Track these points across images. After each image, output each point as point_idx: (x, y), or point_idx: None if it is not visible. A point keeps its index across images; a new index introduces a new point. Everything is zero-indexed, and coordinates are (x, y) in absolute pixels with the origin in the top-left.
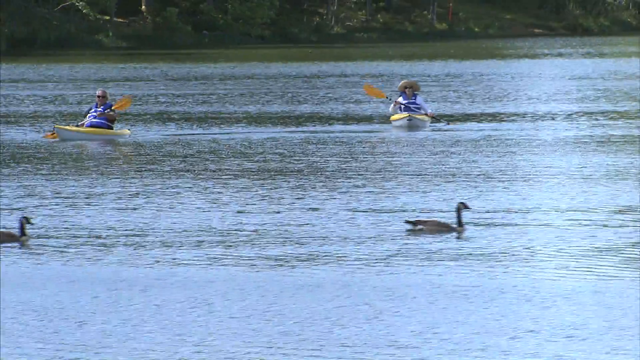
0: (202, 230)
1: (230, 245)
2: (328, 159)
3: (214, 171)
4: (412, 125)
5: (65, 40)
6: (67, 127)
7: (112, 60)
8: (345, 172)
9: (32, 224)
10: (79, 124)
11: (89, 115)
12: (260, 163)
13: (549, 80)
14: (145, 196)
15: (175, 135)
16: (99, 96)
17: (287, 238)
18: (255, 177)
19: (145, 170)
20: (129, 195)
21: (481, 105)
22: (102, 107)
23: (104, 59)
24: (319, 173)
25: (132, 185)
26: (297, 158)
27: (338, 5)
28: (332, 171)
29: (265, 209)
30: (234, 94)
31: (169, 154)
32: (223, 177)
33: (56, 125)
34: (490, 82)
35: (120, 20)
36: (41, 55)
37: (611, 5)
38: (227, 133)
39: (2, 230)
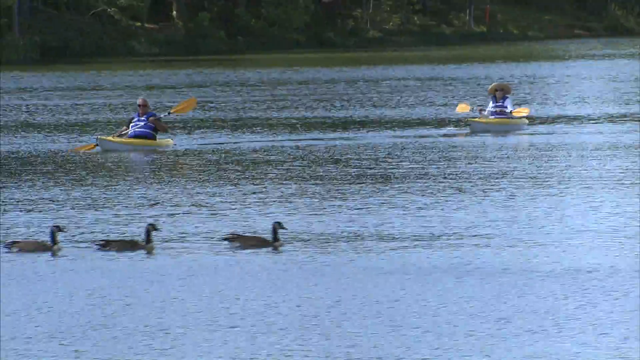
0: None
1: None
2: (402, 164)
3: (292, 178)
4: (473, 130)
5: (98, 47)
6: (109, 138)
7: (146, 67)
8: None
9: (64, 231)
10: (122, 133)
11: (131, 124)
12: (351, 168)
13: (595, 82)
14: (261, 202)
15: (237, 142)
16: (140, 105)
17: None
18: (337, 182)
19: (228, 177)
20: (220, 201)
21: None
22: (144, 115)
23: (138, 66)
24: (404, 178)
25: (216, 192)
26: (388, 163)
27: (373, 8)
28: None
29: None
30: (292, 98)
31: (233, 162)
32: (305, 183)
33: (99, 137)
34: (537, 84)
35: (151, 26)
36: (74, 63)
37: None
38: (286, 140)
39: (34, 240)
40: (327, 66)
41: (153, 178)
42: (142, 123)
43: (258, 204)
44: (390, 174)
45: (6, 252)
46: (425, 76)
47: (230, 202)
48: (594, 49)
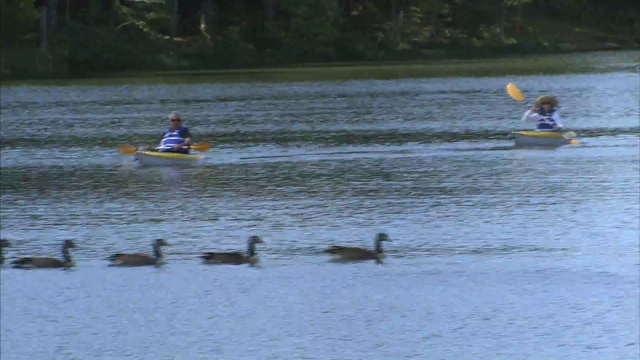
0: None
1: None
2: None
3: (351, 190)
4: (519, 144)
5: (126, 60)
6: (148, 153)
7: (176, 80)
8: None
9: (167, 245)
10: (155, 148)
11: (163, 140)
12: (403, 181)
13: (626, 95)
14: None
15: (275, 156)
16: (172, 120)
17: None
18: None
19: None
20: (305, 214)
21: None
22: (177, 130)
23: (169, 80)
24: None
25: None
26: (443, 176)
27: (403, 21)
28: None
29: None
30: (331, 111)
31: (285, 175)
32: (364, 196)
33: (138, 151)
34: (573, 97)
35: (179, 39)
36: (103, 77)
37: None
38: (332, 152)
39: (139, 253)
40: (357, 79)
41: (225, 192)
42: (175, 138)
43: (343, 216)
44: (444, 186)
45: (110, 265)
46: (461, 89)
47: (314, 214)
48: (625, 61)
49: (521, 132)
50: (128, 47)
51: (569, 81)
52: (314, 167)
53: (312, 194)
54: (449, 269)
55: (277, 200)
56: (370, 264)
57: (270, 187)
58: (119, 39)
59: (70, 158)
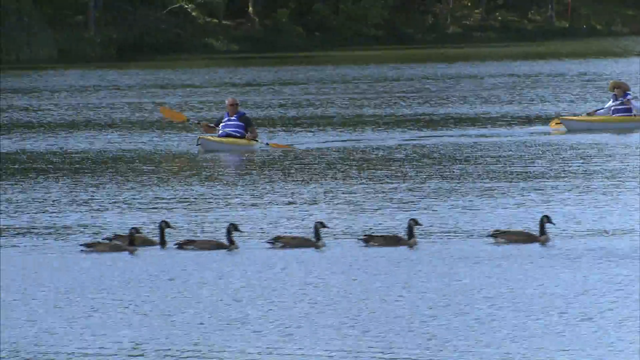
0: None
1: None
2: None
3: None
4: (569, 129)
5: (175, 44)
6: (211, 138)
7: (228, 64)
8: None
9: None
10: (209, 129)
11: (221, 124)
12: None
13: None
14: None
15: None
16: (229, 104)
17: None
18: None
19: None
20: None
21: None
22: (235, 115)
23: (219, 63)
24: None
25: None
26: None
27: (454, 3)
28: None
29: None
30: (396, 95)
31: (338, 161)
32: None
33: (200, 136)
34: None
35: (227, 22)
36: (152, 60)
37: None
38: (411, 137)
39: (298, 235)
40: (411, 62)
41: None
42: (234, 122)
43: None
44: (534, 171)
45: (270, 248)
46: (521, 72)
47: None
48: None
49: (568, 118)
50: (176, 31)
51: (623, 65)
52: (394, 151)
53: (409, 179)
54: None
55: (404, 183)
56: (535, 246)
57: (373, 171)
58: (166, 22)
59: (149, 142)
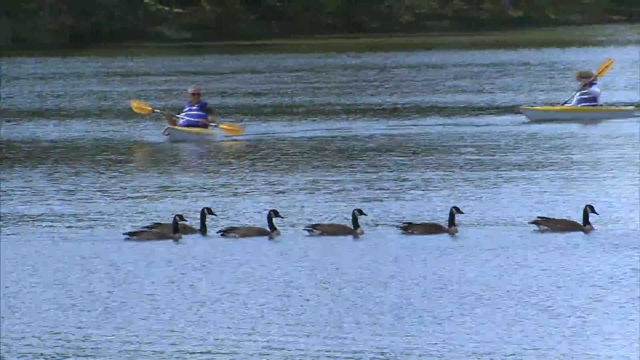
0: None
1: None
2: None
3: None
4: (530, 118)
5: (128, 31)
6: (179, 128)
7: (181, 52)
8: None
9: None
10: (172, 119)
11: (182, 113)
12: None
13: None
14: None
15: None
16: (192, 94)
17: None
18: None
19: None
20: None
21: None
22: (196, 105)
23: (172, 51)
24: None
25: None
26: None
27: None
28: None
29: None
30: (331, 85)
31: (316, 150)
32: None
33: (167, 127)
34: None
35: (179, 10)
36: (106, 47)
37: None
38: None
39: (336, 223)
40: (361, 51)
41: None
42: (195, 112)
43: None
44: (513, 160)
45: (307, 236)
46: (475, 62)
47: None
48: (634, 34)
49: (529, 108)
50: (129, 18)
51: (578, 54)
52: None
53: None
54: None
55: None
56: (579, 234)
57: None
58: (120, 10)
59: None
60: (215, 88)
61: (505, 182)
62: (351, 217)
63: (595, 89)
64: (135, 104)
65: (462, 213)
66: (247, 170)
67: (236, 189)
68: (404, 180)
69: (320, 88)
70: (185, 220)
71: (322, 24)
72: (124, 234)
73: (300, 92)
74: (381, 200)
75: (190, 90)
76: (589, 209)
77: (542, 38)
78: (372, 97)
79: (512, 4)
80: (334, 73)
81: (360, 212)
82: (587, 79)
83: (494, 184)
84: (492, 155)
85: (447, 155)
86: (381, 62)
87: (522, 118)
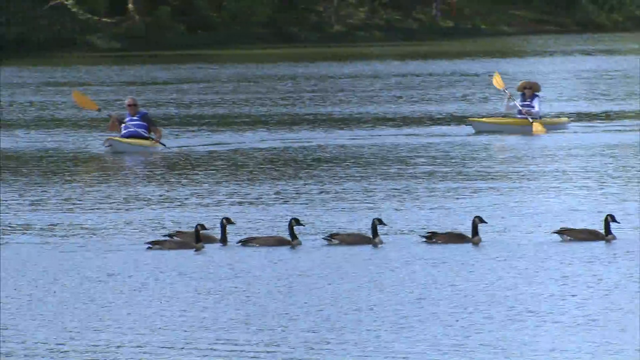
0: None
1: None
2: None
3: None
4: (476, 130)
5: (56, 41)
6: (120, 139)
7: (110, 62)
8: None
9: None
10: (113, 129)
11: (123, 125)
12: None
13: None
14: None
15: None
16: (129, 105)
17: None
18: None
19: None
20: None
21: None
22: (137, 115)
23: (101, 61)
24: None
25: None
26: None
27: (338, 2)
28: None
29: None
30: (273, 96)
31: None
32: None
33: (108, 137)
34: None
35: (108, 20)
36: (34, 57)
37: (625, 0)
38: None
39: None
40: (295, 61)
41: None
42: (136, 122)
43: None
44: (460, 171)
45: (326, 245)
46: (406, 72)
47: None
48: (566, 45)
49: (477, 119)
50: (58, 28)
51: (509, 64)
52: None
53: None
54: None
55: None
56: (599, 244)
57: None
58: (48, 19)
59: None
60: (152, 99)
61: (447, 192)
62: (370, 227)
63: (536, 101)
64: (79, 97)
65: (485, 222)
66: (210, 181)
67: (193, 199)
68: (337, 191)
69: (261, 98)
70: (207, 229)
71: (252, 34)
72: (145, 243)
73: (240, 102)
74: (403, 210)
75: (126, 101)
76: (609, 219)
77: (473, 49)
78: (317, 106)
79: (442, 15)
80: (272, 82)
81: (380, 221)
82: (531, 91)
83: (443, 195)
84: (445, 166)
85: (397, 165)
86: (317, 72)
87: (469, 129)
